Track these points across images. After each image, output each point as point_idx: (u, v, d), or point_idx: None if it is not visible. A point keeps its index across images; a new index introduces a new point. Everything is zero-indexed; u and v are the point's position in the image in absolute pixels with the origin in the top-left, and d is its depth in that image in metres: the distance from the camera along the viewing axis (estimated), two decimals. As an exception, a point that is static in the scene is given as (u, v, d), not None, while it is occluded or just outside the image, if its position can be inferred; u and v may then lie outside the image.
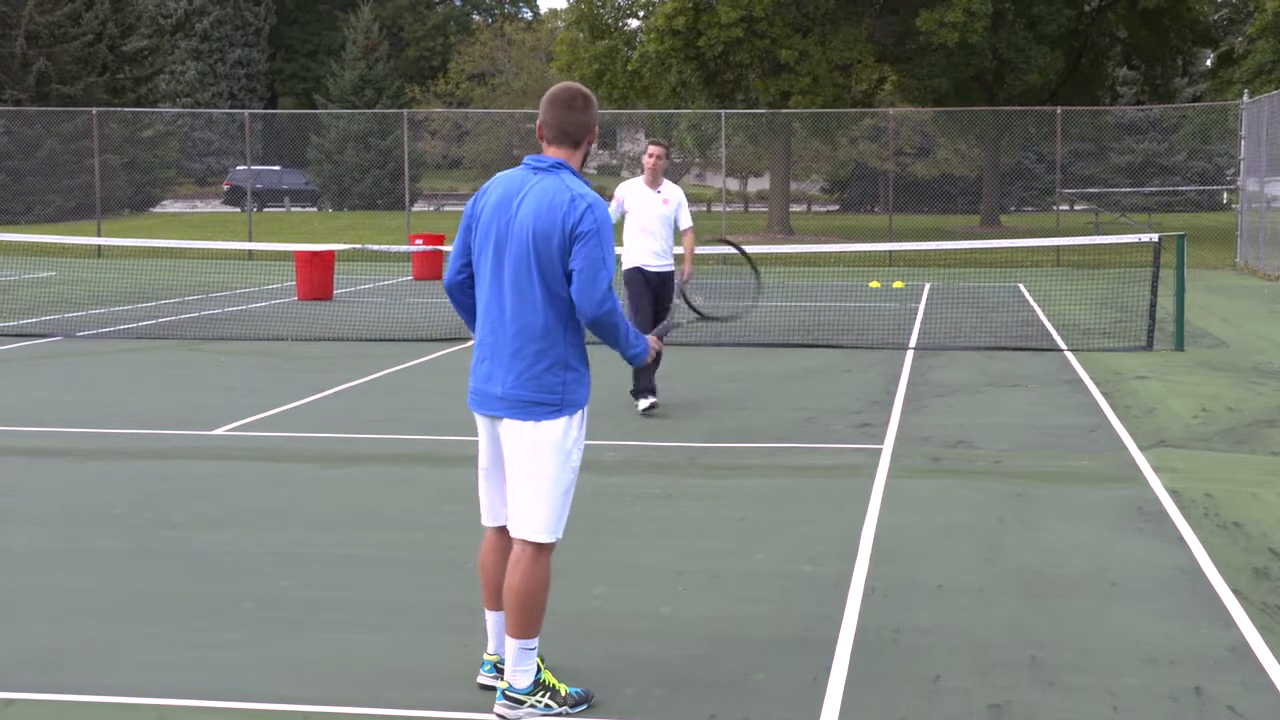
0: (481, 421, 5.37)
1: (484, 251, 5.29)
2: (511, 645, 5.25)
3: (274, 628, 6.33)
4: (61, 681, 5.65)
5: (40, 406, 12.40)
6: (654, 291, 11.98)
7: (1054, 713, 5.33)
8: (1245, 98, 33.73)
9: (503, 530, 5.43)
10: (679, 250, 12.35)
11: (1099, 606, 6.67)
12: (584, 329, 5.29)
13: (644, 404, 11.95)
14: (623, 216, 11.95)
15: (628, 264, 11.95)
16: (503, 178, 5.37)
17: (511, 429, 5.23)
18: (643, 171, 12.07)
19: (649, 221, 11.95)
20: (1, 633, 6.29)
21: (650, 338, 5.52)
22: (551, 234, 5.12)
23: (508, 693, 5.25)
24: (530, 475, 5.21)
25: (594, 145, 5.41)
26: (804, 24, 41.27)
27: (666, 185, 12.07)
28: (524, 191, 5.23)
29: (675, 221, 12.11)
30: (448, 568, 7.18)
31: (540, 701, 5.25)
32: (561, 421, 5.21)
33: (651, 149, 12.08)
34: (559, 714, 5.25)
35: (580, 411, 5.30)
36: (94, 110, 39.29)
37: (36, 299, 23.03)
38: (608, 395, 12.76)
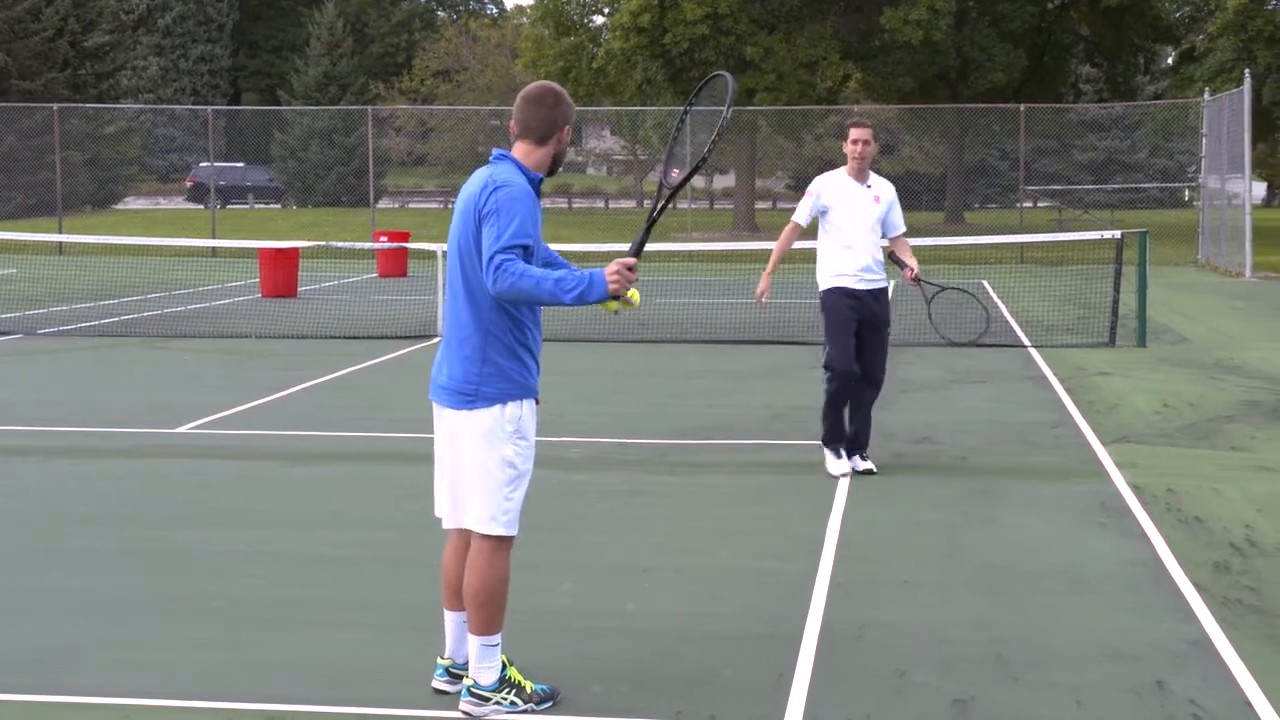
0: (435, 412, 5.39)
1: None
2: (474, 643, 5.26)
3: (242, 627, 6.32)
4: (28, 682, 5.62)
5: (1, 405, 12.32)
6: (866, 317, 9.51)
7: (1018, 708, 5.37)
8: (1206, 95, 33.94)
9: (463, 531, 5.44)
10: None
11: (1062, 602, 6.71)
12: (522, 323, 5.25)
13: (839, 466, 9.46)
14: (818, 220, 9.68)
15: (825, 283, 9.59)
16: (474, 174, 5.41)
17: (447, 418, 5.30)
18: (849, 161, 9.54)
19: (856, 225, 9.43)
20: (-35, 633, 6.26)
21: (618, 266, 5.05)
22: (468, 223, 5.18)
23: (472, 690, 5.25)
24: (461, 464, 5.26)
25: (566, 143, 5.39)
26: (769, 21, 41.34)
27: (876, 179, 9.69)
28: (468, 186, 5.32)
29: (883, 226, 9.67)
30: (411, 566, 7.17)
31: (506, 699, 5.25)
32: (490, 412, 5.19)
33: (855, 132, 9.48)
34: (524, 711, 5.26)
35: (511, 405, 5.22)
36: (55, 106, 39.08)
37: (-2, 297, 22.87)
38: (574, 393, 12.76)
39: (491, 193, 5.12)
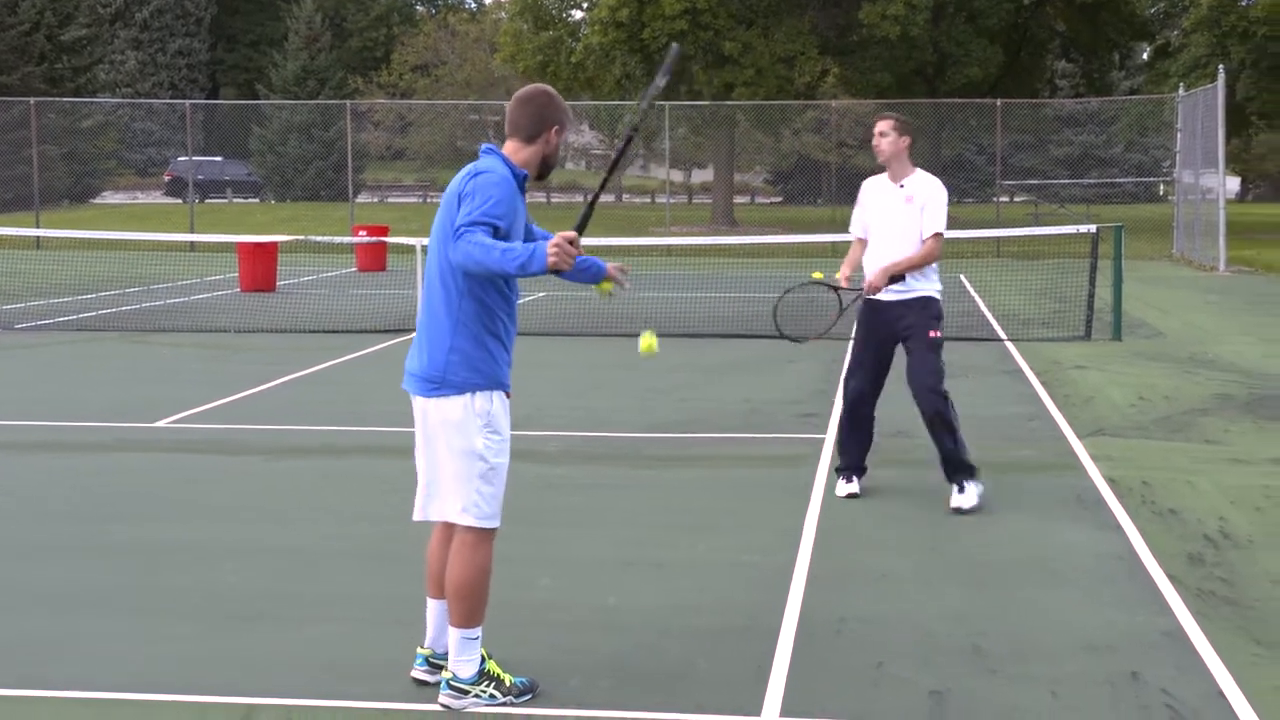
0: (412, 403, 5.41)
1: None
2: (454, 635, 5.26)
3: (222, 621, 6.31)
4: (9, 676, 5.60)
5: (-20, 399, 12.28)
6: (896, 331, 8.62)
7: (995, 700, 5.39)
8: (1181, 91, 34.06)
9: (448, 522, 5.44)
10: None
11: (1038, 594, 6.73)
12: (492, 312, 5.24)
13: (841, 488, 8.76)
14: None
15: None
16: None
17: (418, 407, 5.32)
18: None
19: (883, 230, 8.54)
20: (-57, 628, 6.24)
21: (559, 239, 5.03)
22: (450, 210, 5.19)
23: (451, 683, 5.25)
24: (435, 454, 5.29)
25: (556, 145, 5.39)
26: (747, 16, 41.37)
27: (915, 177, 8.55)
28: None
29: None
30: (390, 560, 7.16)
31: (485, 691, 5.25)
32: (458, 401, 5.20)
33: (879, 124, 8.62)
34: (503, 704, 5.25)
35: (480, 396, 5.22)
36: (31, 100, 38.90)
37: (-25, 291, 22.76)
38: (551, 386, 12.76)
39: (471, 178, 5.16)
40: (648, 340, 5.60)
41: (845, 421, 8.92)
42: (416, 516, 5.44)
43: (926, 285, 8.53)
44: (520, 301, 5.43)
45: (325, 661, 5.78)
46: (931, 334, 8.48)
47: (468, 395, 5.20)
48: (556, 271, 5.00)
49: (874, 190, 8.68)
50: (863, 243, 8.82)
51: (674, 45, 5.59)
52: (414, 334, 5.42)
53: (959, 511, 8.23)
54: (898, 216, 8.46)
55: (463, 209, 5.08)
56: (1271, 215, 48.30)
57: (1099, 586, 6.86)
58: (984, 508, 8.33)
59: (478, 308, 5.20)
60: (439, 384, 5.20)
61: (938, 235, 8.42)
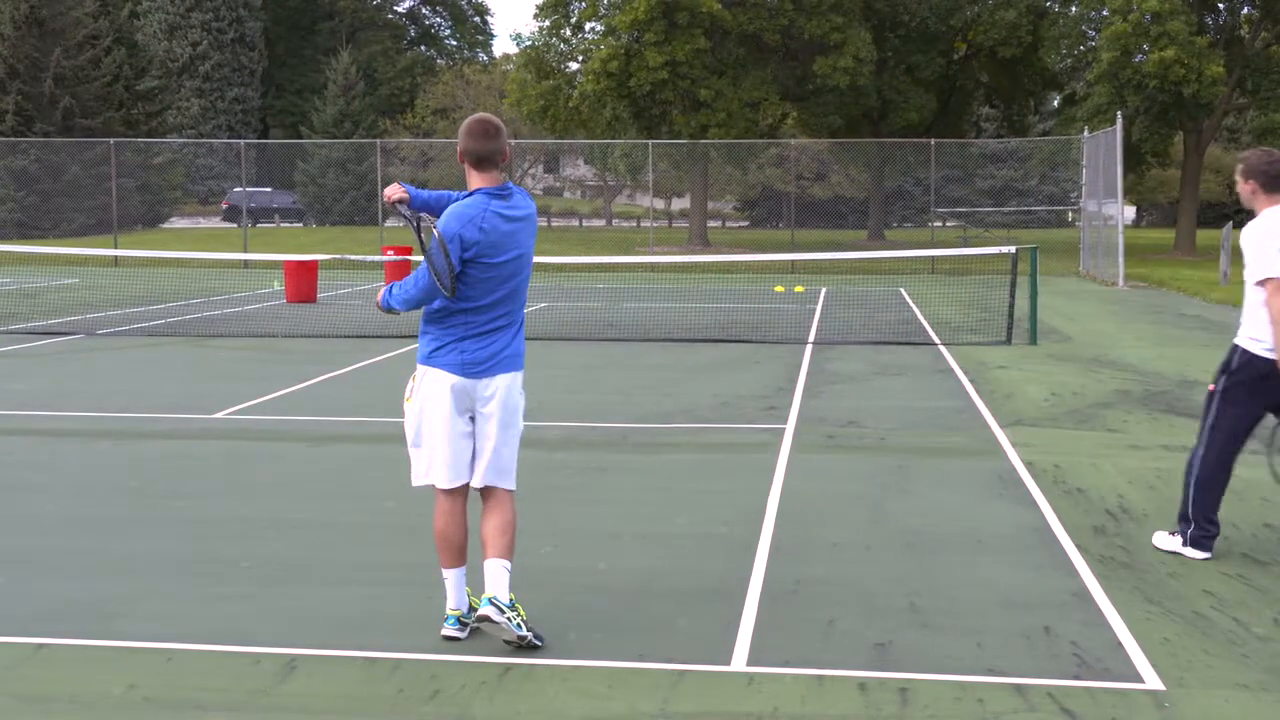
0: (493, 381, 5.53)
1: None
2: (498, 567, 5.31)
3: (269, 583, 6.28)
4: (85, 629, 5.59)
5: (66, 394, 12.23)
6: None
7: (929, 650, 5.38)
8: (1085, 133, 34.11)
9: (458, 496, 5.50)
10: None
11: (967, 560, 6.72)
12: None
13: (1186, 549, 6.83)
14: None
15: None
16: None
17: (506, 381, 5.49)
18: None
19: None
20: (34, 586, 6.20)
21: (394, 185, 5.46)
22: (531, 237, 5.48)
23: (494, 600, 5.24)
24: (504, 425, 5.48)
25: (507, 163, 5.45)
26: (719, 67, 41.35)
27: (1259, 219, 6.56)
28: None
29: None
30: (415, 531, 7.13)
31: (515, 619, 5.24)
32: (521, 376, 5.52)
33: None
34: (524, 636, 5.25)
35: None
36: (111, 141, 38.90)
37: (62, 303, 22.69)
38: (552, 383, 12.74)
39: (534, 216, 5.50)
40: None
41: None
42: (453, 482, 5.43)
43: (1242, 332, 6.68)
44: (526, 310, 5.46)
45: (357, 617, 5.75)
46: (1210, 386, 6.88)
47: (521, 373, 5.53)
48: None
49: None
50: None
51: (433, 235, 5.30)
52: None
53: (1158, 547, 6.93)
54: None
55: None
56: (1162, 238, 48.36)
57: (1017, 554, 6.86)
58: (918, 487, 8.32)
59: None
60: (519, 363, 5.49)
61: (1261, 283, 6.41)
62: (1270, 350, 6.48)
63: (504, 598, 5.25)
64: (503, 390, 5.38)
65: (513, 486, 5.47)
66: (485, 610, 5.23)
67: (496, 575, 5.29)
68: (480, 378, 5.35)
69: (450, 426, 5.38)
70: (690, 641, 5.46)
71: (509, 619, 5.21)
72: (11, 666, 5.19)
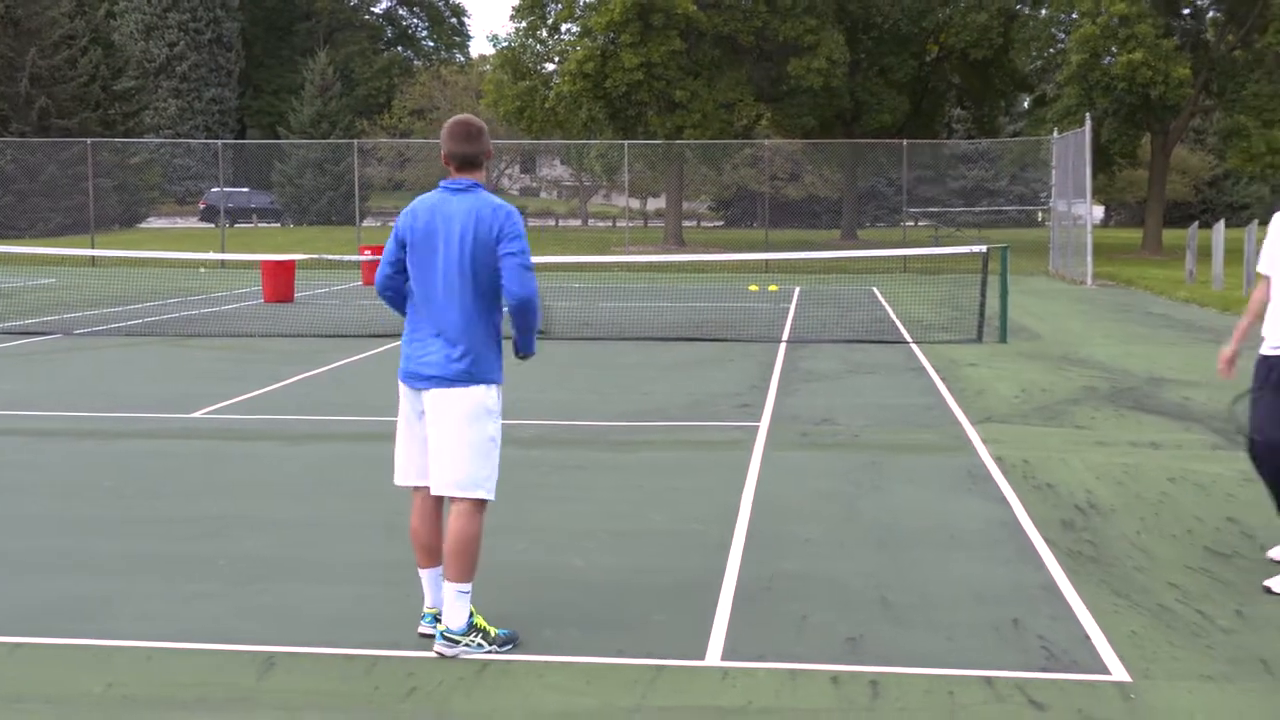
0: (424, 393, 5.38)
1: (426, 259, 5.27)
2: (449, 590, 5.22)
3: (246, 581, 6.26)
4: (64, 628, 5.56)
5: (44, 394, 12.16)
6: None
7: (900, 643, 5.40)
8: (1055, 134, 34.27)
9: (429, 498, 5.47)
10: None
11: (937, 555, 6.75)
12: (499, 323, 5.30)
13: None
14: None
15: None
16: (427, 200, 5.33)
17: (438, 395, 5.30)
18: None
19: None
20: (11, 586, 6.17)
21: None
22: (485, 237, 5.16)
23: (445, 634, 5.23)
24: (443, 436, 5.29)
25: (491, 161, 5.42)
26: (694, 69, 41.38)
27: None
28: (451, 209, 5.24)
29: None
30: (390, 530, 7.12)
31: (474, 642, 5.23)
32: (480, 390, 5.27)
33: None
34: (489, 652, 5.24)
35: (495, 387, 5.31)
36: (88, 141, 38.70)
37: (40, 302, 22.56)
38: (527, 381, 12.73)
39: (506, 215, 5.20)
40: None
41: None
42: (402, 481, 5.43)
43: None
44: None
45: (336, 615, 5.74)
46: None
47: (489, 387, 5.25)
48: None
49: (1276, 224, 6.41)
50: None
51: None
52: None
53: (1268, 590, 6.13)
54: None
55: (513, 245, 5.14)
56: (1130, 238, 48.62)
57: (987, 548, 6.89)
58: (890, 483, 8.36)
59: (497, 319, 5.28)
60: (470, 377, 5.19)
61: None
62: None
63: (456, 625, 5.21)
64: (437, 405, 5.23)
65: (474, 496, 5.24)
66: (437, 646, 5.23)
67: (448, 602, 5.22)
68: (413, 387, 5.35)
69: (406, 426, 5.42)
70: (666, 637, 5.47)
71: (465, 647, 5.21)
72: (-10, 665, 5.17)
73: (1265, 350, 6.30)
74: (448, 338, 5.21)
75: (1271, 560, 6.63)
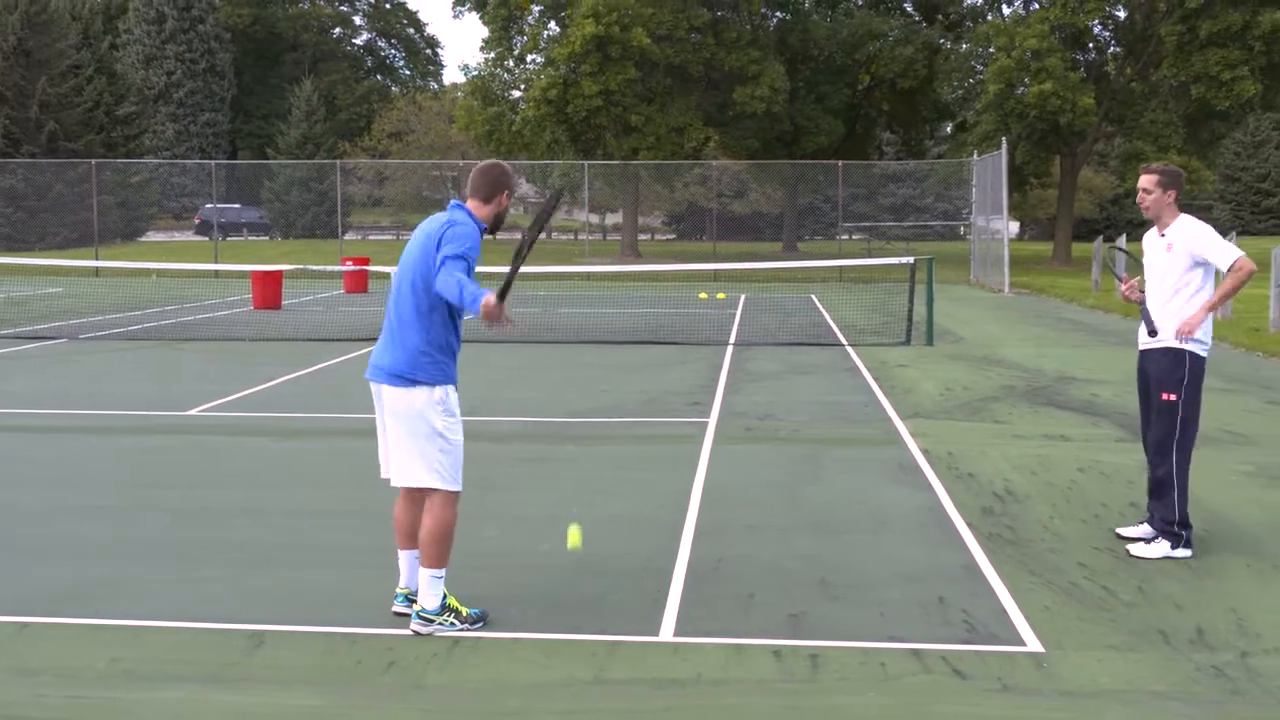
0: (377, 389, 5.34)
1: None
2: (424, 574, 5.21)
3: (240, 566, 6.20)
4: (73, 609, 5.49)
5: (51, 394, 12.00)
6: (1145, 382, 6.59)
7: (837, 619, 5.42)
8: (975, 156, 34.52)
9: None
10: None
11: (871, 539, 6.78)
12: (450, 325, 5.25)
13: (1170, 550, 6.45)
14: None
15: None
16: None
17: (386, 393, 5.27)
18: None
19: (1151, 279, 6.58)
20: (19, 571, 6.09)
21: (489, 298, 5.00)
22: (428, 248, 5.15)
23: (420, 614, 5.21)
24: (397, 432, 5.28)
25: (507, 207, 5.36)
26: (649, 95, 41.37)
27: (1178, 224, 6.47)
28: (424, 225, 5.32)
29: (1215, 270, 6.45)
30: (372, 518, 7.07)
31: (447, 621, 5.21)
32: (424, 391, 5.19)
33: (1142, 180, 6.55)
34: (461, 630, 5.22)
35: (439, 387, 5.23)
36: (93, 161, 38.39)
37: (47, 310, 22.27)
38: (494, 382, 12.70)
39: (449, 226, 5.15)
40: (574, 537, 5.63)
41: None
42: (385, 474, 5.40)
43: (1170, 338, 6.45)
44: (465, 319, 5.39)
45: (321, 597, 5.70)
46: (1165, 396, 6.43)
47: (429, 388, 5.16)
48: (460, 301, 4.99)
49: (1147, 241, 6.67)
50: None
51: (559, 192, 5.52)
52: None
53: (1136, 555, 6.44)
54: (1158, 264, 6.51)
55: (445, 248, 5.06)
56: (1042, 250, 49.03)
57: (915, 532, 6.93)
58: (827, 473, 8.37)
59: (443, 321, 5.19)
60: (410, 379, 5.15)
61: (1235, 268, 6.28)
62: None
63: (431, 605, 5.20)
64: (386, 402, 5.24)
65: (435, 486, 5.19)
66: (414, 625, 5.22)
67: (423, 586, 5.23)
68: (369, 379, 5.34)
69: (379, 419, 5.39)
70: (622, 615, 5.46)
71: (439, 626, 5.20)
72: (0, 644, 5.10)
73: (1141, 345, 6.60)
74: (394, 339, 5.23)
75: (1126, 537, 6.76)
